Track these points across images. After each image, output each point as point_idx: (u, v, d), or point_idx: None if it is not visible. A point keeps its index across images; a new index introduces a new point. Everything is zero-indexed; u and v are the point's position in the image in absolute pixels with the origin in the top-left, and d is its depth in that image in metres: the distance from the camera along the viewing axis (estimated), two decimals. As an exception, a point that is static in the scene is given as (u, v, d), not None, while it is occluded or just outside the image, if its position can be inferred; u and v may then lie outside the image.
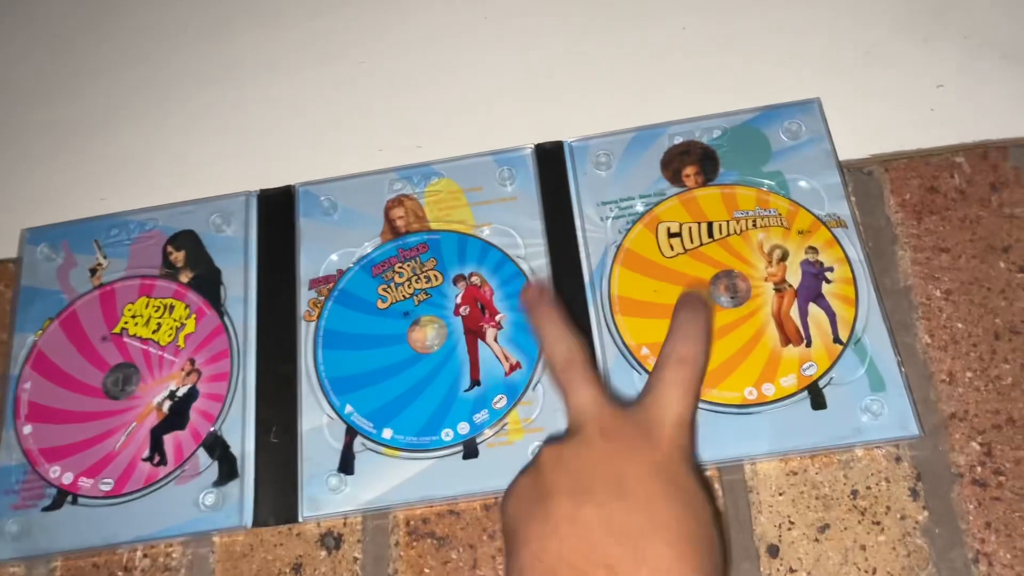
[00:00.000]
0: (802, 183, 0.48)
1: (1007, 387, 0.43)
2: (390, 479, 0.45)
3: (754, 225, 0.47)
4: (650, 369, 0.45)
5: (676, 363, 0.37)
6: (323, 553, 0.44)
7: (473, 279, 0.49)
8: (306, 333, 0.49)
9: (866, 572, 0.40)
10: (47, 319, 0.51)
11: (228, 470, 0.46)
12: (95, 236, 0.53)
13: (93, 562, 0.46)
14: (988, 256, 0.45)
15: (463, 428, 0.45)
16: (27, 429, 0.48)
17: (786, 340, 0.44)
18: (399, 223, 0.51)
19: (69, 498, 0.46)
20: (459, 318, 0.48)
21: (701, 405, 0.44)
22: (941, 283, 0.45)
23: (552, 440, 0.36)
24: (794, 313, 0.45)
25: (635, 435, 0.34)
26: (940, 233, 0.46)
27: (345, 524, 0.45)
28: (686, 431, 0.35)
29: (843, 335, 0.44)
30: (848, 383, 0.43)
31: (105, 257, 0.52)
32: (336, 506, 0.45)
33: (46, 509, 0.46)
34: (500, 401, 0.46)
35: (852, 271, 0.45)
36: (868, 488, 0.42)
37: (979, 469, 0.41)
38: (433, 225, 0.50)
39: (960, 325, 0.44)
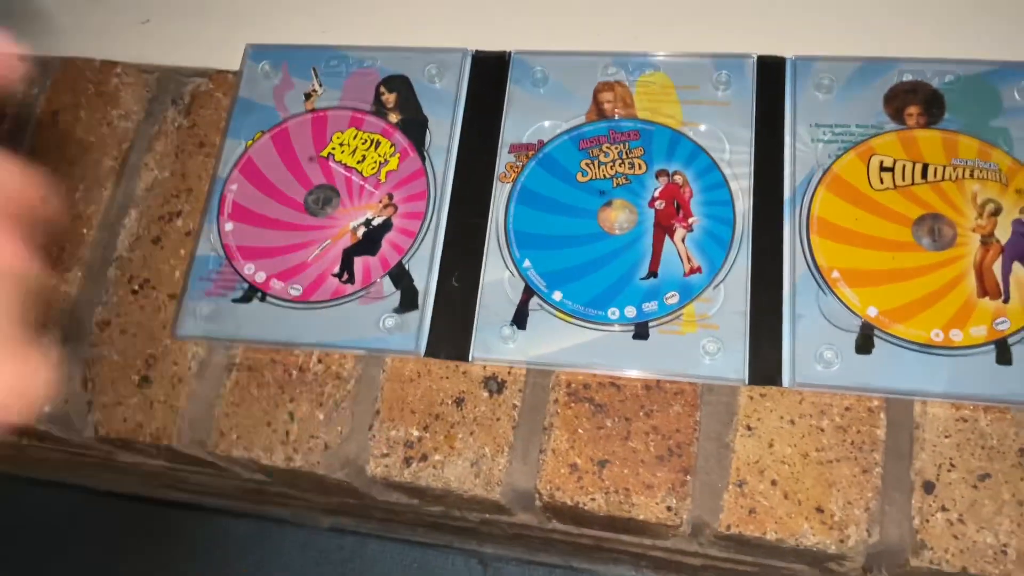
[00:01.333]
0: (1029, 144, 0.47)
1: None
2: (560, 341, 0.47)
3: (971, 175, 0.46)
4: (837, 292, 0.45)
5: None
6: (485, 394, 0.47)
7: (676, 177, 0.49)
8: (499, 192, 0.50)
9: (1020, 526, 0.41)
10: (259, 131, 0.54)
11: (409, 300, 0.48)
12: (314, 63, 0.55)
13: (272, 357, 0.49)
14: None
15: (630, 312, 0.47)
16: (228, 226, 0.51)
17: (983, 292, 0.44)
18: (607, 107, 0.52)
19: (259, 295, 0.50)
20: (653, 210, 0.49)
21: (882, 336, 0.44)
22: None
23: None
24: (997, 268, 0.44)
25: None
26: None
27: (510, 373, 0.47)
28: None
29: (1045, 298, 0.43)
30: (1041, 345, 0.43)
31: (321, 85, 0.55)
32: (505, 354, 0.47)
33: (236, 300, 0.50)
34: (672, 297, 0.47)
35: (1066, 239, 0.44)
36: None
37: None
38: (640, 114, 0.51)
39: None
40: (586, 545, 0.76)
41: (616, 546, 0.63)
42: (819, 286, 0.45)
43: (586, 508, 0.44)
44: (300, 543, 1.22)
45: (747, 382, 0.44)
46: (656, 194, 0.49)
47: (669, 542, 0.53)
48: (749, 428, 0.44)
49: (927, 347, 0.43)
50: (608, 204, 0.49)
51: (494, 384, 0.47)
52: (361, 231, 0.50)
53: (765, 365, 0.45)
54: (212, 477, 0.71)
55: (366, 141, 0.52)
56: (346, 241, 0.50)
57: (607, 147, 0.50)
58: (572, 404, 0.46)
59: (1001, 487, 0.41)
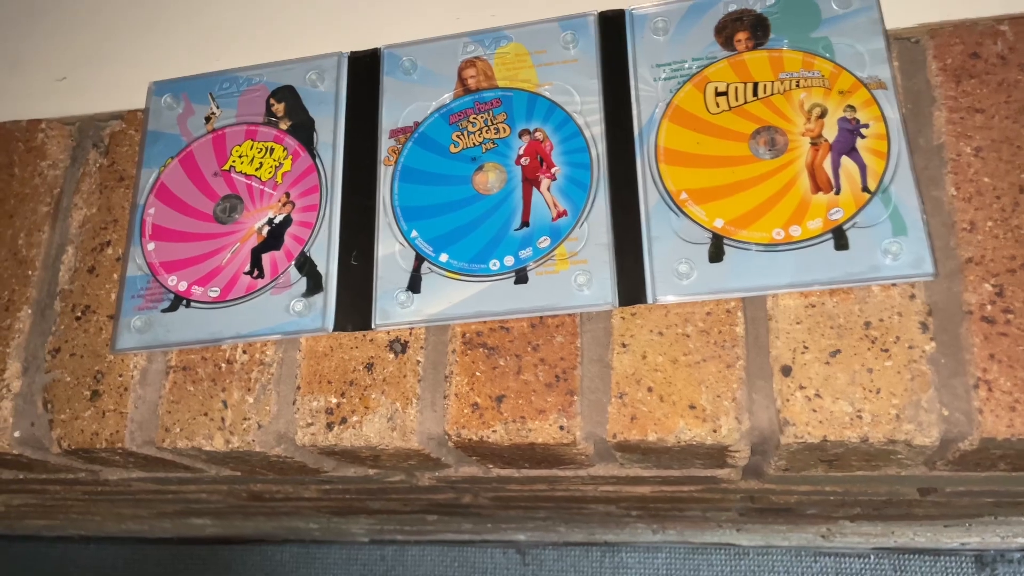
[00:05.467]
0: (847, 48, 0.51)
1: (1028, 239, 0.45)
2: (450, 297, 0.51)
3: (797, 85, 0.50)
4: (687, 211, 0.49)
5: None
6: (391, 355, 0.52)
7: (537, 134, 0.54)
8: (384, 175, 0.55)
9: (871, 391, 0.44)
10: (168, 157, 0.59)
11: (314, 284, 0.53)
12: (210, 89, 0.61)
13: (202, 355, 0.54)
14: (1021, 117, 0.47)
15: (509, 261, 0.51)
16: (151, 246, 0.57)
17: (816, 188, 0.48)
18: (471, 82, 0.56)
19: (184, 302, 0.55)
20: (519, 167, 0.53)
21: (730, 243, 0.48)
22: (972, 141, 0.48)
23: None
24: (827, 164, 0.48)
25: None
26: (977, 95, 0.48)
27: (411, 333, 0.52)
28: None
29: (871, 184, 0.47)
30: (871, 226, 0.47)
31: (218, 107, 0.60)
32: (404, 317, 0.51)
33: (164, 311, 0.55)
34: (544, 241, 0.51)
35: (887, 128, 0.48)
36: (881, 320, 0.45)
37: (989, 308, 0.44)
38: (500, 83, 0.56)
39: (987, 179, 0.47)
40: (589, 511, 0.80)
41: (573, 485, 0.67)
42: (671, 208, 0.50)
43: (490, 440, 0.49)
44: (344, 560, 1.27)
45: (617, 305, 0.49)
46: (521, 152, 0.54)
47: (594, 468, 0.58)
48: (624, 345, 0.48)
49: (771, 246, 0.48)
50: (480, 168, 0.54)
51: (398, 346, 0.52)
52: (265, 230, 0.55)
53: (630, 287, 0.49)
54: (200, 488, 0.77)
55: (261, 150, 0.58)
56: (253, 241, 0.55)
57: (473, 118, 0.55)
58: (468, 351, 0.51)
59: (851, 359, 0.45)
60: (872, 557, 1.05)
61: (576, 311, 0.50)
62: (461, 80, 0.57)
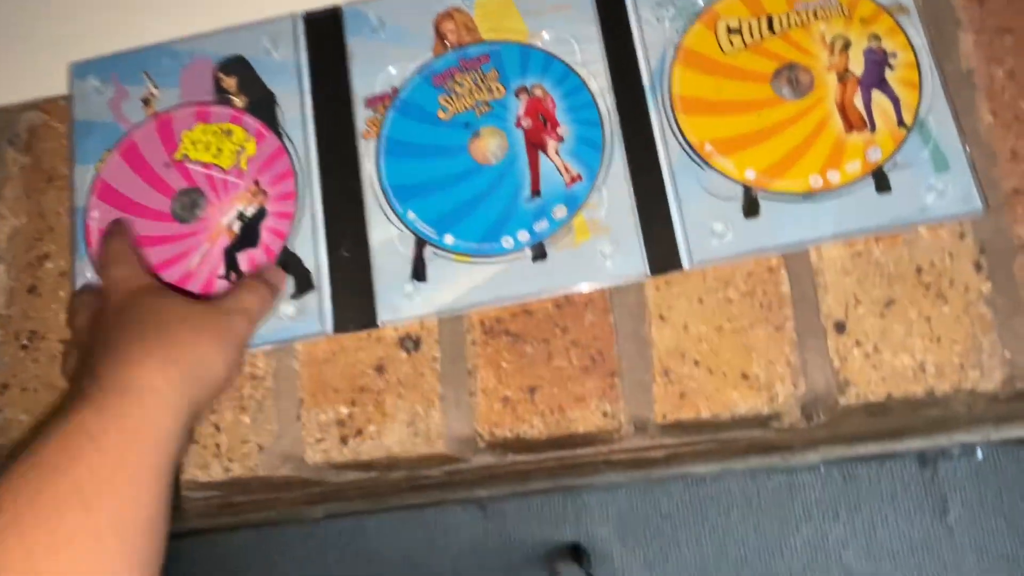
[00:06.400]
0: (863, -28, 0.47)
1: (1069, 161, 0.43)
2: (463, 283, 0.46)
3: (815, 16, 0.47)
4: (714, 164, 0.45)
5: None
6: (403, 354, 0.46)
7: (536, 91, 0.48)
8: (366, 150, 0.49)
9: (931, 341, 0.42)
10: (105, 150, 0.51)
11: (304, 282, 0.47)
12: (143, 67, 0.52)
13: (182, 375, 0.48)
14: (1053, 34, 0.45)
15: (523, 236, 0.46)
16: (101, 256, 0.49)
17: (850, 127, 0.45)
18: (451, 37, 0.50)
19: (151, 317, 0.48)
20: (521, 130, 0.48)
21: (765, 195, 0.44)
22: (1004, 63, 0.45)
23: None
24: (858, 100, 0.45)
25: None
26: (1003, 15, 0.46)
27: (423, 327, 0.47)
28: None
29: (907, 119, 0.44)
30: (912, 165, 0.44)
31: (156, 87, 0.52)
32: (413, 310, 0.46)
33: (130, 329, 0.48)
34: (560, 211, 0.46)
35: (915, 56, 0.45)
36: (932, 264, 0.43)
37: None
38: (486, 36, 0.50)
39: (1023, 103, 0.44)
40: (565, 465, 0.77)
41: (587, 459, 0.64)
42: (696, 163, 0.46)
43: (528, 436, 0.45)
44: (300, 538, 1.22)
45: (650, 274, 0.45)
46: (520, 113, 0.48)
47: (625, 443, 0.54)
48: (662, 318, 0.45)
49: (809, 195, 0.44)
50: (476, 135, 0.48)
51: (410, 343, 0.47)
52: (237, 226, 0.49)
53: (662, 253, 0.45)
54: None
55: (217, 133, 0.50)
56: (224, 240, 0.48)
57: (460, 77, 0.49)
58: (490, 341, 0.46)
59: (907, 309, 0.43)
60: (822, 469, 1.08)
61: (604, 285, 0.45)
62: (439, 35, 0.50)
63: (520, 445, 0.46)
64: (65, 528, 0.32)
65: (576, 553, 1.16)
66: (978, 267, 0.43)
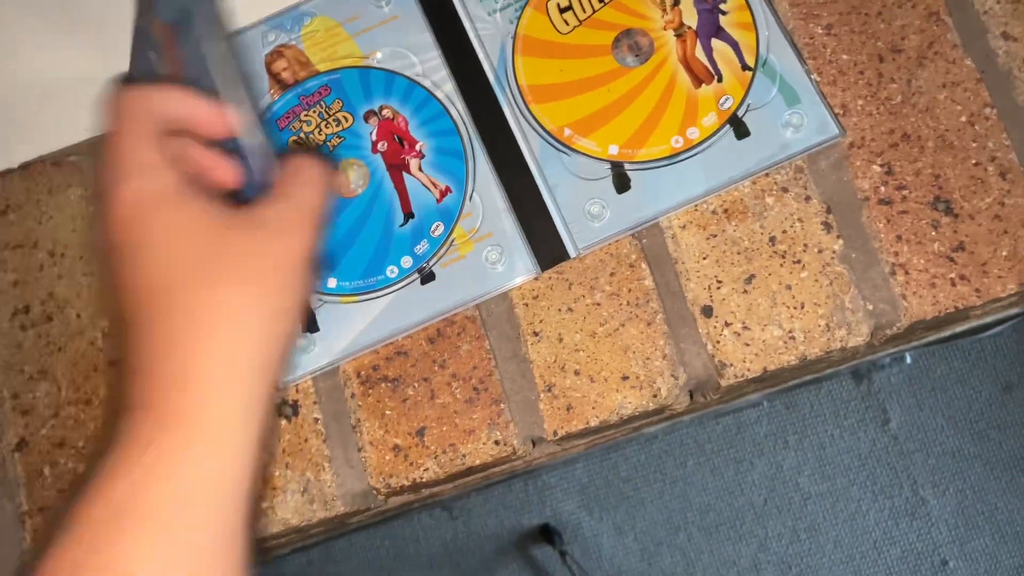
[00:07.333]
0: (676, -77, 0.47)
1: (897, 106, 0.44)
2: (357, 323, 0.45)
3: (640, -22, 0.46)
4: (576, 147, 0.45)
5: None
6: (284, 422, 0.45)
7: (385, 112, 0.47)
8: (227, 211, 0.47)
9: (795, 308, 0.42)
10: None
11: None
12: None
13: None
14: (861, -30, 0.46)
15: (406, 262, 0.45)
16: None
17: (698, 81, 0.45)
18: (285, 75, 0.48)
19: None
20: (379, 155, 0.47)
21: (632, 167, 0.44)
22: (821, 19, 0.45)
23: None
24: (699, 53, 0.45)
25: None
26: (817, -64, 0.46)
27: (298, 390, 0.45)
28: None
29: (749, 60, 0.45)
30: (764, 105, 0.44)
31: None
32: (313, 363, 0.45)
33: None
34: (438, 228, 0.45)
35: (744, -3, 0.45)
36: (784, 232, 0.43)
37: (883, 189, 0.43)
38: (321, 67, 0.48)
39: (845, 56, 0.45)
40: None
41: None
42: (559, 150, 0.45)
43: (424, 480, 0.44)
44: (269, 573, 1.19)
45: (541, 271, 0.44)
46: (374, 138, 0.47)
47: (529, 458, 0.54)
48: (536, 334, 0.44)
49: (674, 156, 0.44)
50: (335, 169, 0.47)
51: (288, 409, 0.45)
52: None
53: (548, 247, 0.44)
54: None
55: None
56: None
57: (305, 115, 0.47)
58: (369, 391, 0.45)
59: (767, 281, 0.43)
60: (765, 403, 1.11)
61: (498, 291, 0.44)
62: (272, 76, 0.48)
63: (420, 488, 0.45)
64: None
65: (547, 533, 1.16)
66: (827, 227, 0.43)
